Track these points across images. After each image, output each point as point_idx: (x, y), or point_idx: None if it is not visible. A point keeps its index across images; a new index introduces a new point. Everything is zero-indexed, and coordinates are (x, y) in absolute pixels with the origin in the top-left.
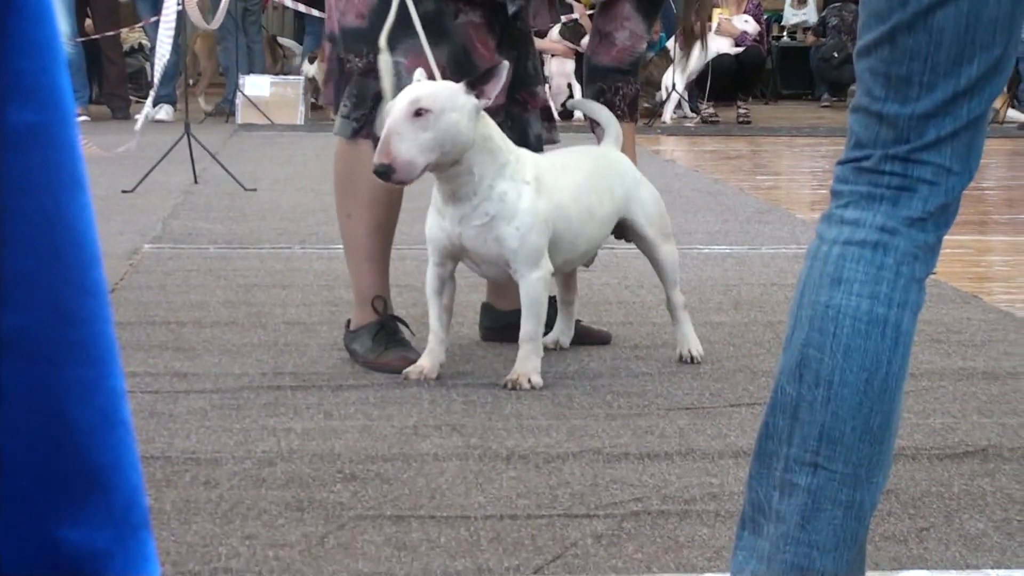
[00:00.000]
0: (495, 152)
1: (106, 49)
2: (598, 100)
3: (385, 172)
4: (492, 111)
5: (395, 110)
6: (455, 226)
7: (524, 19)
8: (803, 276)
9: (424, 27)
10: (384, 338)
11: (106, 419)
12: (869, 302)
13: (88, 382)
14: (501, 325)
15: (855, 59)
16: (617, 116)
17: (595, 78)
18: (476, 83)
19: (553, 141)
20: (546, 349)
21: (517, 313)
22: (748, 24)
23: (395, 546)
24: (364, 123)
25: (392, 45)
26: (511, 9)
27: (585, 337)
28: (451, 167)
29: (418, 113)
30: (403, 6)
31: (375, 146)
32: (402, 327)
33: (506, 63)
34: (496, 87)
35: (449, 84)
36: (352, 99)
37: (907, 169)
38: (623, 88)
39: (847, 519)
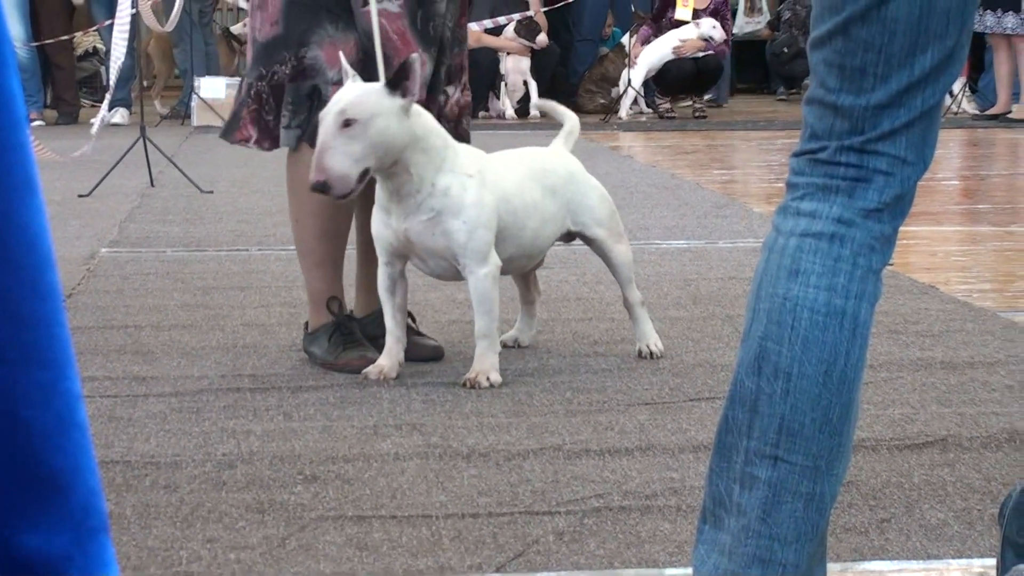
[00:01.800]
0: (431, 150)
1: (53, 54)
2: None
3: (322, 188)
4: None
5: (324, 124)
6: (401, 223)
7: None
8: (760, 268)
9: (333, 11)
10: (341, 338)
11: (62, 423)
12: (827, 294)
13: (44, 385)
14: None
15: (809, 51)
16: None
17: None
18: (396, 82)
19: (466, 136)
20: (505, 347)
21: (370, 320)
22: (716, 31)
23: (357, 546)
24: (305, 128)
25: (305, 39)
26: None
27: (414, 350)
28: (389, 167)
29: (346, 124)
30: None
31: None
32: (354, 324)
33: (415, 55)
34: (416, 81)
35: (372, 87)
36: (289, 108)
37: (862, 160)
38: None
39: (808, 511)
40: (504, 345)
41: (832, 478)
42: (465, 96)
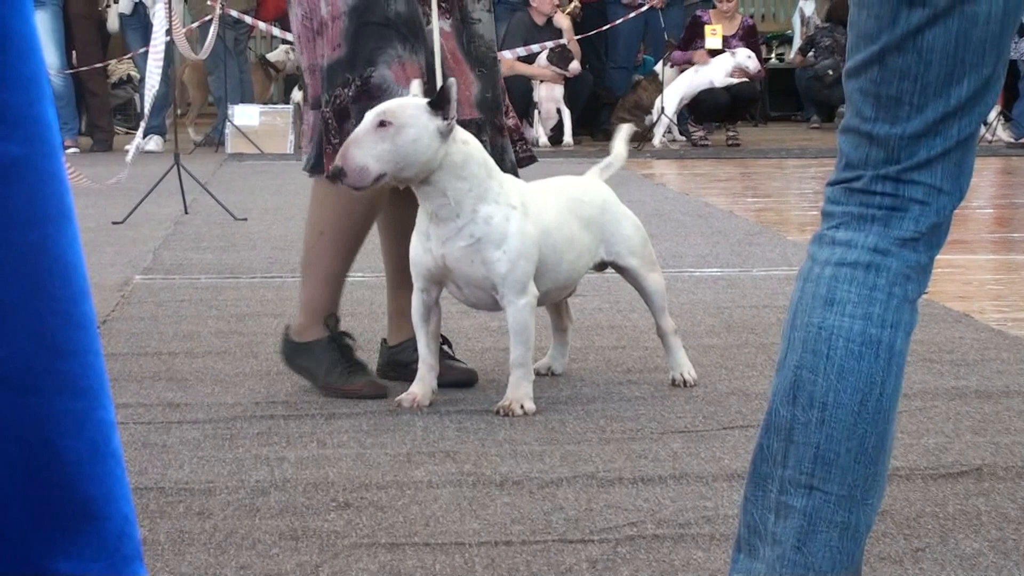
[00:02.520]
0: (471, 178)
1: (87, 81)
2: None
3: (337, 175)
4: (472, 131)
5: (366, 118)
6: (439, 247)
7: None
8: (795, 297)
9: (401, 31)
10: (344, 362)
11: (96, 451)
12: (862, 323)
13: (78, 414)
14: (385, 362)
15: (844, 79)
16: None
17: None
18: (438, 103)
19: (531, 158)
20: (538, 375)
21: (403, 348)
22: (751, 61)
23: (390, 574)
24: None
25: (373, 59)
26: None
27: (447, 374)
28: (421, 186)
29: (381, 124)
30: (370, 15)
31: None
32: (351, 342)
33: (453, 81)
34: (452, 106)
35: (417, 101)
36: (352, 128)
37: (898, 189)
38: None
39: (843, 540)
40: (537, 373)
41: (867, 507)
42: (511, 118)
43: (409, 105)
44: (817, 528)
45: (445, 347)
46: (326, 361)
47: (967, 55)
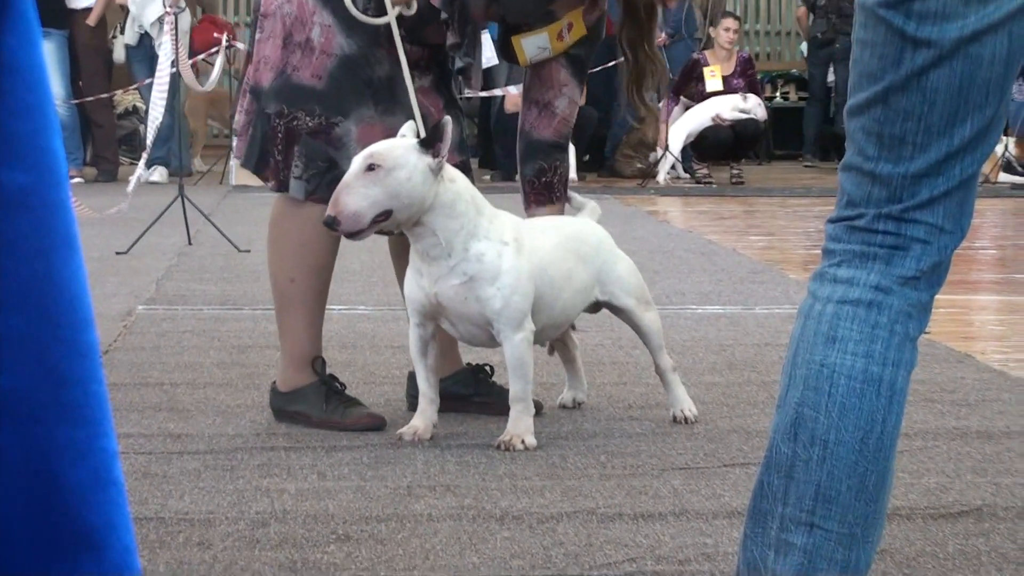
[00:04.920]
0: (461, 216)
1: (91, 112)
2: (539, 180)
3: (331, 224)
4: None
5: (351, 167)
6: (432, 285)
7: (465, 79)
8: (796, 335)
9: (379, 94)
10: (338, 398)
11: (98, 480)
12: (864, 361)
13: (80, 443)
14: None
15: (846, 117)
16: (555, 198)
17: (536, 155)
18: (428, 142)
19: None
20: (564, 408)
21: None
22: (760, 108)
23: None
24: (316, 185)
25: (347, 111)
26: (458, 64)
27: (496, 406)
28: (414, 227)
29: (370, 168)
30: (357, 71)
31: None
32: (340, 385)
33: (448, 118)
34: (446, 144)
35: (405, 142)
36: (302, 159)
37: (900, 228)
38: (560, 167)
39: None
40: (563, 407)
41: (868, 545)
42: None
43: (397, 146)
44: (817, 566)
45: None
46: (320, 400)
47: (971, 95)
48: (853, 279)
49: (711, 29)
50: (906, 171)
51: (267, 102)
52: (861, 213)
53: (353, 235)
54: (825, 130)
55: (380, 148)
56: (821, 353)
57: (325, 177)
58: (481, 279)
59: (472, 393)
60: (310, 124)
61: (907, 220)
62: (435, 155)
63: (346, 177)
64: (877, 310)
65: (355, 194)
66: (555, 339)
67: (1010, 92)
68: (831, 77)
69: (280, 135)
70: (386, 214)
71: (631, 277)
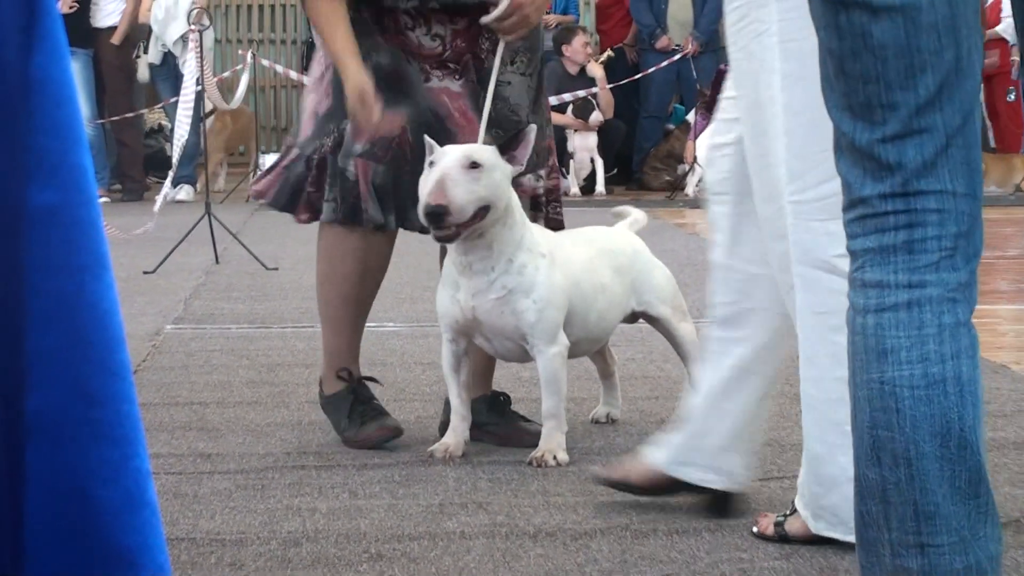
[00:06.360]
0: (514, 226)
1: (117, 132)
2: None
3: (438, 213)
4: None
5: (445, 161)
6: (469, 299)
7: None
8: (849, 352)
9: (379, 84)
10: (359, 411)
11: (132, 500)
12: (921, 367)
13: (113, 463)
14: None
15: (824, 100)
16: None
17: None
18: (506, 147)
19: (561, 224)
20: (597, 423)
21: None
22: None
23: None
24: (338, 202)
25: (347, 112)
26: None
27: (516, 436)
28: (476, 238)
29: (472, 165)
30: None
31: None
32: (373, 385)
33: (533, 126)
34: (526, 151)
35: (490, 147)
36: (329, 179)
37: (908, 203)
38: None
39: None
40: (596, 422)
41: (981, 541)
42: (553, 180)
43: (487, 149)
44: None
45: (505, 404)
46: (344, 413)
47: (921, 43)
48: (883, 282)
49: None
50: (883, 135)
51: (304, 147)
52: (864, 197)
53: (454, 233)
54: None
55: (477, 148)
56: (877, 370)
57: (340, 191)
58: (518, 292)
59: (485, 422)
60: (330, 144)
61: (912, 193)
62: (511, 161)
63: (446, 170)
64: (918, 308)
65: (461, 187)
66: (596, 353)
67: (974, 35)
68: None
69: (313, 170)
70: (483, 212)
71: (667, 285)
